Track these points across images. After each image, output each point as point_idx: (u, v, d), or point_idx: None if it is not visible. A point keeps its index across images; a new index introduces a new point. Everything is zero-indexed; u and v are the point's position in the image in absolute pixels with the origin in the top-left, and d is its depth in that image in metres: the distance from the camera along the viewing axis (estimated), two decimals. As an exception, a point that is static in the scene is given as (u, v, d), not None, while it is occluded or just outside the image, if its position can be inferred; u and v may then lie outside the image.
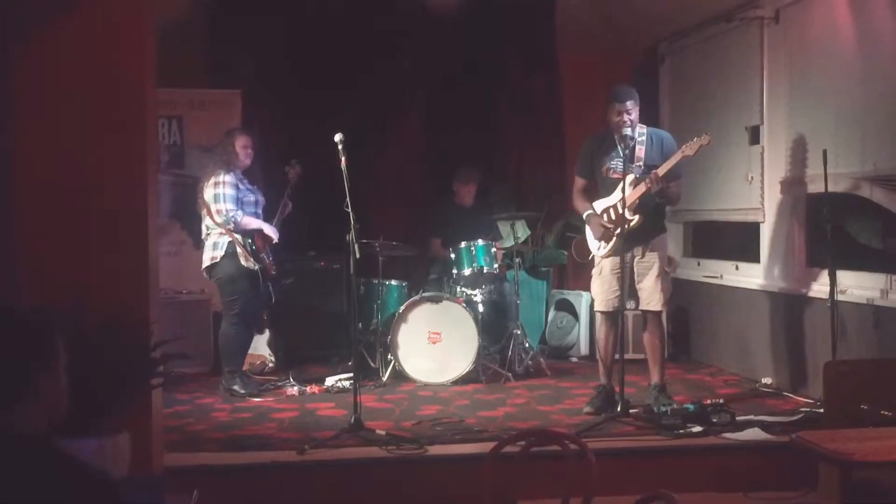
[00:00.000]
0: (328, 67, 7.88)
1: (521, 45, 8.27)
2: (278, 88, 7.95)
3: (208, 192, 6.22)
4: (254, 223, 6.26)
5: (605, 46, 8.17)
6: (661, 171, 5.45)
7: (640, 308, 5.83)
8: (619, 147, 5.56)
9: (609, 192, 5.68)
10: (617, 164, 5.63)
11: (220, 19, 7.72)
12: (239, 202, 6.22)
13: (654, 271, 5.67)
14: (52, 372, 1.89)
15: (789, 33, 6.43)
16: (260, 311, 6.70)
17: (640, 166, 5.61)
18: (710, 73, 7.44)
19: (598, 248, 5.77)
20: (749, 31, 6.80)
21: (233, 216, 6.16)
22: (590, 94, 7.61)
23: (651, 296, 5.68)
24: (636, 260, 5.69)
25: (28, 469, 1.74)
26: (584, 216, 5.81)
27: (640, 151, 5.64)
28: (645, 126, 5.74)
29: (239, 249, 6.18)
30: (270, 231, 6.33)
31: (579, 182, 5.91)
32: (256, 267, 6.21)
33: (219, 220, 6.17)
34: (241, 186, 6.29)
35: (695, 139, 5.43)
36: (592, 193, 5.83)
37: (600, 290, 5.77)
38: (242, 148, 6.34)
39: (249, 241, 6.23)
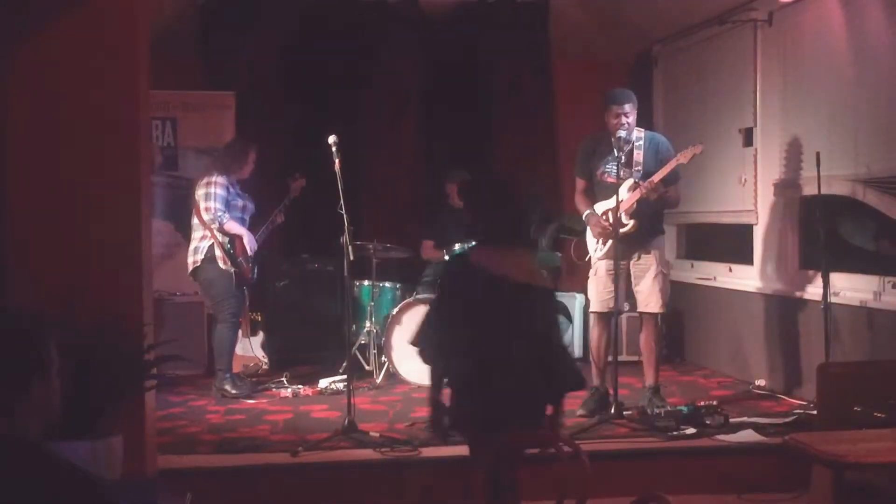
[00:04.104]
0: (322, 70, 7.88)
1: (515, 48, 8.26)
2: (272, 91, 7.94)
3: (199, 191, 6.36)
4: (235, 228, 6.37)
5: (598, 49, 8.17)
6: (657, 178, 5.45)
7: (637, 310, 5.82)
8: (615, 150, 5.54)
9: (605, 196, 5.64)
10: (612, 167, 5.60)
11: (213, 21, 7.70)
12: (227, 204, 6.33)
13: (652, 273, 5.65)
14: (45, 376, 1.88)
15: (783, 36, 6.44)
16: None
17: (638, 171, 5.59)
18: (704, 75, 7.44)
19: (595, 249, 5.77)
20: (743, 33, 6.81)
21: (219, 216, 6.28)
22: (583, 97, 7.59)
23: (648, 298, 5.67)
24: (633, 262, 5.67)
25: (17, 471, 1.74)
26: (583, 216, 5.80)
27: (638, 156, 5.61)
28: (643, 130, 5.73)
29: (218, 252, 6.30)
30: (248, 241, 6.42)
31: (580, 183, 5.89)
32: (232, 270, 6.31)
33: (206, 217, 6.29)
34: (231, 190, 6.40)
35: (689, 147, 5.46)
36: (593, 194, 5.81)
37: (596, 291, 5.76)
38: (253, 162, 6.50)
39: (228, 244, 6.33)
